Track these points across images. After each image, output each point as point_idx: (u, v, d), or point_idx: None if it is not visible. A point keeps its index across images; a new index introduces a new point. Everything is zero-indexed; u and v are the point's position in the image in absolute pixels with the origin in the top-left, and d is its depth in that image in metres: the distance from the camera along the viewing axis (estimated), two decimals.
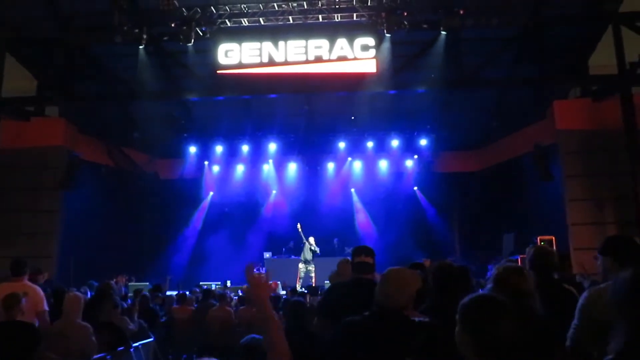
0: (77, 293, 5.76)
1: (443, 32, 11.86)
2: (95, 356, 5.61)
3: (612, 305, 2.02)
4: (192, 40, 11.96)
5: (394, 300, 2.71)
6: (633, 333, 1.74)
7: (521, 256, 10.56)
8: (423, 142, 17.26)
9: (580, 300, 2.86)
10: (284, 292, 11.09)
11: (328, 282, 11.48)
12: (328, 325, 3.55)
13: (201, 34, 12.10)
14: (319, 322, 3.90)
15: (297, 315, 4.21)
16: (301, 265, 14.47)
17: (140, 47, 12.31)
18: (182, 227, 17.84)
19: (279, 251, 16.61)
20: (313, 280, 14.08)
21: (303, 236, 14.72)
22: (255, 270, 2.14)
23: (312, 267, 14.57)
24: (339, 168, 18.42)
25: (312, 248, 14.56)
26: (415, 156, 17.87)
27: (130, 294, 10.87)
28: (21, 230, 13.10)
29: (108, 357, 5.98)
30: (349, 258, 4.15)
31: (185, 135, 17.15)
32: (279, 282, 12.34)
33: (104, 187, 14.77)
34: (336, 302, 3.72)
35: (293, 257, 15.80)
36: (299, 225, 14.85)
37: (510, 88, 13.62)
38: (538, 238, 12.61)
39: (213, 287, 12.70)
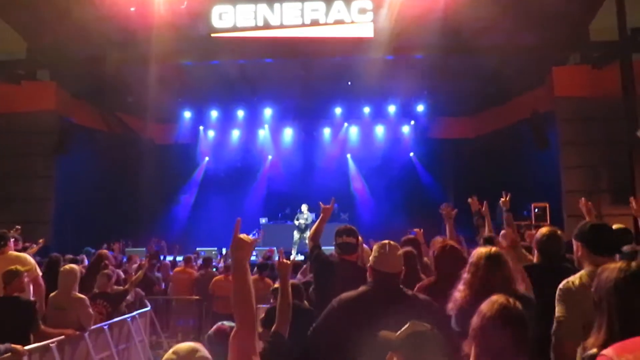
0: (73, 265, 5.76)
1: None
2: (92, 327, 5.66)
3: (595, 300, 2.00)
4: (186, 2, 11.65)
5: (390, 266, 2.84)
6: (615, 328, 1.72)
7: (517, 222, 10.63)
8: (420, 108, 17.14)
9: (561, 290, 2.71)
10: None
11: (325, 248, 11.59)
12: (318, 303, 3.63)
13: None
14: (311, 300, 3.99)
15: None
16: (295, 233, 14.50)
17: (132, 9, 11.99)
18: (178, 193, 17.86)
19: (275, 217, 16.66)
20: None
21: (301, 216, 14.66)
22: (252, 235, 2.14)
23: (307, 234, 14.62)
24: (335, 134, 18.34)
25: (304, 219, 14.52)
26: (412, 122, 17.80)
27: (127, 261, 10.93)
28: (16, 196, 13.05)
29: (105, 327, 6.04)
30: (347, 224, 4.15)
31: (179, 100, 16.93)
32: (274, 248, 12.40)
33: (99, 153, 14.64)
34: (324, 282, 3.77)
35: (289, 222, 15.87)
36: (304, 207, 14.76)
37: (509, 54, 13.39)
38: (533, 205, 12.69)
39: (205, 252, 12.80)
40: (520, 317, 1.90)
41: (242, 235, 2.06)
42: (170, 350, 1.78)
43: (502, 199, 4.70)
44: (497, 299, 1.92)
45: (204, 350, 1.79)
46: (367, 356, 2.49)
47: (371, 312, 2.68)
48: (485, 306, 1.92)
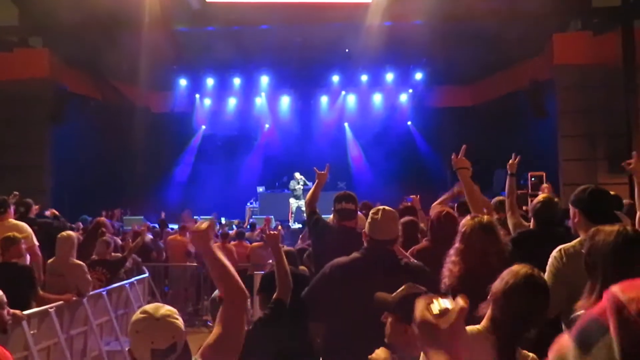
0: (70, 232, 5.77)
1: None
2: (91, 292, 5.71)
3: (588, 263, 2.00)
4: None
5: (384, 233, 2.81)
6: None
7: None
8: (418, 76, 17.02)
9: (550, 259, 2.69)
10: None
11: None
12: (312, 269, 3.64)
13: None
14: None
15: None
16: (292, 201, 14.53)
17: None
18: (175, 161, 17.82)
19: (272, 185, 16.68)
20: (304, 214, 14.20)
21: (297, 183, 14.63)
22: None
23: (303, 202, 14.64)
24: (332, 102, 18.21)
25: (301, 184, 14.52)
26: (410, 90, 17.66)
27: (128, 228, 10.97)
28: (12, 164, 12.98)
29: (103, 293, 6.10)
30: (346, 191, 4.12)
31: (175, 67, 16.72)
32: (271, 217, 12.47)
33: (95, 121, 14.52)
34: (322, 248, 3.77)
35: (287, 191, 15.89)
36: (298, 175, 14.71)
37: (508, 20, 13.19)
38: (529, 174, 12.69)
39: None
40: (544, 286, 1.95)
41: (197, 225, 2.06)
42: (138, 311, 1.85)
43: (510, 161, 4.60)
44: (520, 268, 1.93)
45: (169, 307, 1.87)
46: (360, 318, 2.51)
47: (363, 278, 2.68)
48: (508, 275, 1.92)
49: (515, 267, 1.94)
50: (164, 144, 17.26)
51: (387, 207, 2.91)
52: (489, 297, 1.94)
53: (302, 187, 14.57)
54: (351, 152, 18.29)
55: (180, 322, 1.82)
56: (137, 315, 1.81)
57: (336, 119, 18.23)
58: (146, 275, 7.95)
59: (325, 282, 2.88)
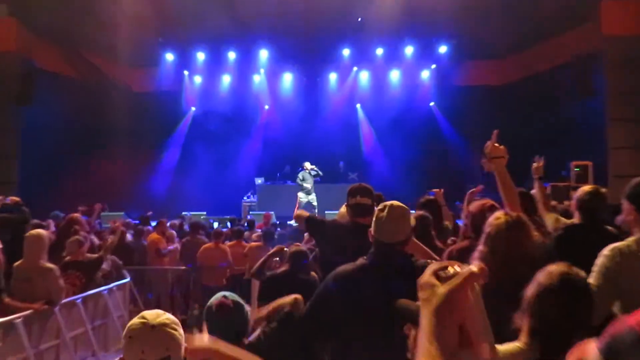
0: (40, 230, 5.76)
1: None
2: (64, 300, 5.72)
3: None
4: None
5: (389, 234, 2.73)
6: None
7: (552, 184, 10.56)
8: (442, 49, 16.94)
9: (601, 258, 2.71)
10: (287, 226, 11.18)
11: (330, 212, 11.58)
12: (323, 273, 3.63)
13: None
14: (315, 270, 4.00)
15: (296, 264, 4.46)
16: (301, 194, 14.35)
17: None
18: (160, 148, 17.81)
19: (272, 176, 16.66)
20: (316, 210, 14.07)
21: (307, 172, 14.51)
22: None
23: (313, 196, 14.54)
24: (342, 80, 18.17)
25: (313, 173, 14.39)
26: (433, 66, 17.57)
27: (107, 225, 10.98)
28: None
29: (78, 300, 6.10)
30: (361, 183, 4.08)
31: (160, 40, 16.68)
32: (272, 213, 12.44)
33: (69, 102, 14.51)
34: (330, 249, 3.75)
35: (289, 182, 15.86)
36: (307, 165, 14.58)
37: None
38: (572, 164, 12.59)
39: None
40: (584, 286, 1.96)
41: (194, 342, 1.98)
42: (137, 317, 1.94)
43: (535, 164, 4.59)
44: (555, 268, 1.95)
45: (168, 314, 1.95)
46: (373, 333, 2.48)
47: (372, 287, 2.63)
48: (542, 276, 1.94)
49: (550, 267, 1.96)
50: (149, 128, 17.25)
51: (395, 203, 2.80)
52: (522, 306, 1.96)
53: (313, 180, 14.42)
54: (364, 138, 18.24)
55: (179, 333, 1.89)
56: (135, 319, 1.91)
57: (347, 99, 18.17)
58: (127, 280, 7.97)
59: (328, 296, 2.84)
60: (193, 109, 18.31)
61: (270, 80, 18.12)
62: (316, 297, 2.91)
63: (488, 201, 3.70)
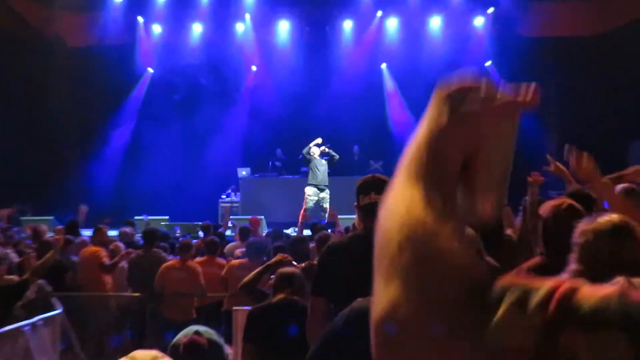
0: None
1: None
2: None
3: None
4: None
5: None
6: None
7: None
8: None
9: None
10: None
11: (343, 217, 11.45)
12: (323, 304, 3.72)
13: None
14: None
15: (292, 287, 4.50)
16: (310, 191, 14.01)
17: None
18: (105, 126, 17.78)
19: (262, 167, 16.72)
20: (326, 214, 13.68)
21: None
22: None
23: (325, 194, 14.10)
24: (360, 30, 18.26)
25: (325, 157, 14.08)
26: (490, 10, 17.62)
27: (25, 234, 10.97)
28: None
29: None
30: (374, 174, 4.08)
31: None
32: (261, 218, 12.42)
33: None
34: (335, 273, 3.74)
35: (287, 175, 15.82)
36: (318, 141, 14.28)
37: None
38: None
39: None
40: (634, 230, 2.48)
41: None
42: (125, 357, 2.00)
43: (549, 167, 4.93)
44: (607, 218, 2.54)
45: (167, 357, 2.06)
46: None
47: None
48: (585, 224, 2.52)
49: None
50: (89, 97, 17.27)
51: None
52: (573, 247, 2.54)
53: (326, 167, 13.97)
54: (392, 112, 18.22)
55: None
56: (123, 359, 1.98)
57: (368, 57, 18.22)
58: (59, 311, 7.92)
59: (341, 343, 2.83)
60: (151, 70, 18.39)
61: (259, 30, 18.19)
62: (321, 346, 2.91)
63: (564, 200, 3.67)
